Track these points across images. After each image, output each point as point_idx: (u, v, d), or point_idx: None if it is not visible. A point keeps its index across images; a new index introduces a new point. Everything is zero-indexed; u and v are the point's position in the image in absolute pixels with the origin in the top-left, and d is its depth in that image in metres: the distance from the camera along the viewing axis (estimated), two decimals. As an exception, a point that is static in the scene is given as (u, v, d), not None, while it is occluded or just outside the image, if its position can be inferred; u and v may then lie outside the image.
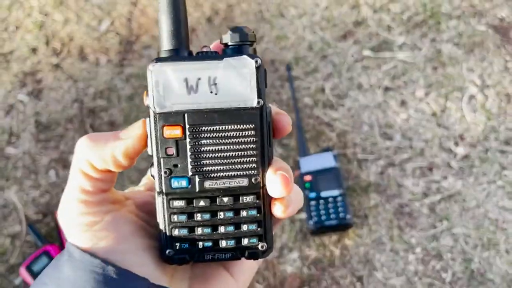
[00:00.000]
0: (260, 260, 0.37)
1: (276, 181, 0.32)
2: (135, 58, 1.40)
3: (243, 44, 0.33)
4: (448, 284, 1.02)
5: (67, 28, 1.44)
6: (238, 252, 0.34)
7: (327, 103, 1.28)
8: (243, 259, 0.35)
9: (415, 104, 1.27)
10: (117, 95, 1.34)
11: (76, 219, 0.32)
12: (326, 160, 1.11)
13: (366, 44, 1.36)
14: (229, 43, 0.33)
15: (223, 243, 0.34)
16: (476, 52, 1.33)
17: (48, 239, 1.09)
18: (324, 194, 1.07)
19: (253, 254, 0.34)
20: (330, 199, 1.06)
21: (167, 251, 0.33)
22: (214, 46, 0.35)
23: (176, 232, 0.33)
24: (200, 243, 0.34)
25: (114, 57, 1.41)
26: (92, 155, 0.32)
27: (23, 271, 1.01)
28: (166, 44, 0.33)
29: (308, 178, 1.09)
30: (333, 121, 1.25)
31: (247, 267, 0.37)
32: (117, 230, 0.33)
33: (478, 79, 1.29)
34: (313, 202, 1.07)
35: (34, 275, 1.00)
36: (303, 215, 1.11)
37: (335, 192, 1.07)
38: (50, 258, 1.01)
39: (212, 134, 0.32)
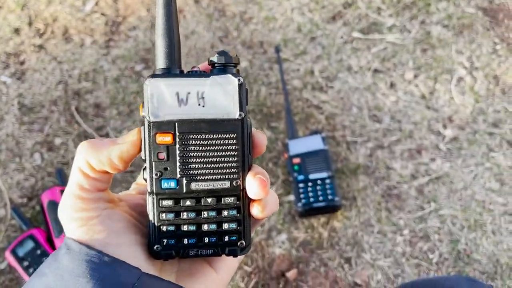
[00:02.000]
0: (241, 257, 0.41)
1: (254, 184, 0.36)
2: (122, 39, 1.38)
3: (228, 65, 0.37)
4: (435, 265, 1.02)
5: (50, 8, 1.41)
6: (219, 249, 0.38)
7: (316, 85, 1.27)
8: (224, 256, 0.38)
9: (404, 86, 1.26)
10: (103, 77, 1.32)
11: (74, 214, 0.36)
12: (314, 143, 1.10)
13: (355, 26, 1.35)
14: (216, 64, 0.37)
15: (206, 240, 0.37)
16: (465, 34, 1.32)
17: (33, 222, 1.08)
18: (312, 176, 1.07)
19: (233, 251, 0.38)
20: (319, 181, 1.06)
21: (155, 247, 0.37)
22: (202, 66, 0.39)
23: (164, 229, 0.37)
24: (185, 240, 0.37)
25: (99, 38, 1.38)
26: (91, 156, 0.35)
27: (8, 255, 1.00)
28: (160, 63, 0.37)
29: (296, 160, 1.09)
30: (322, 104, 1.25)
31: (229, 264, 0.41)
32: (112, 226, 0.36)
33: (467, 62, 1.29)
34: (301, 185, 1.06)
35: (19, 259, 0.99)
36: (292, 197, 1.11)
37: (324, 174, 1.06)
38: (35, 242, 1.00)
39: (199, 141, 0.36)
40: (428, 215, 1.08)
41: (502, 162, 1.14)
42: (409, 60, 1.29)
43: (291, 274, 1.02)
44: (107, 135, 1.23)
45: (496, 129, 1.18)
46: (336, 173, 1.12)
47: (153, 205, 0.36)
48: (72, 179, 0.36)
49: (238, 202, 0.37)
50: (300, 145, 1.11)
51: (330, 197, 1.04)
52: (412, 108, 1.23)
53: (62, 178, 1.12)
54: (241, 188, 0.37)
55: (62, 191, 1.06)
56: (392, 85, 1.27)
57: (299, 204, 1.05)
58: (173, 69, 0.37)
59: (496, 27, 1.33)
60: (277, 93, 1.26)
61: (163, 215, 0.37)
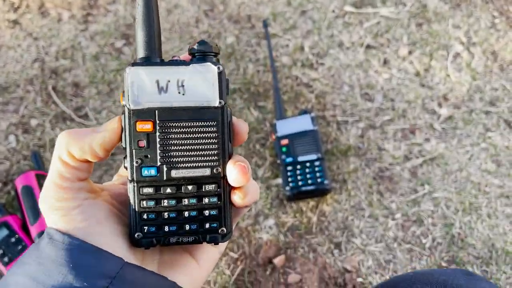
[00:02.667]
0: (222, 248, 0.42)
1: (235, 171, 0.36)
2: (101, 13, 1.30)
3: (208, 54, 0.37)
4: (428, 250, 0.99)
5: (24, -20, 1.32)
6: (200, 236, 0.38)
7: (306, 62, 1.21)
8: (205, 244, 0.39)
9: (398, 63, 1.20)
10: (81, 54, 1.25)
11: (56, 204, 0.35)
12: (303, 123, 1.05)
13: (347, -1, 1.28)
14: (196, 53, 0.37)
15: (186, 227, 0.37)
16: (463, 7, 1.26)
17: (8, 209, 1.03)
18: (301, 158, 1.01)
19: (214, 238, 0.38)
20: (308, 164, 1.01)
21: (136, 234, 0.37)
22: (183, 57, 0.38)
23: (144, 217, 0.37)
24: (166, 227, 0.37)
25: (77, 12, 1.30)
26: (72, 145, 0.35)
27: (-19, 243, 0.95)
28: (141, 52, 0.37)
29: (284, 142, 1.04)
30: (312, 82, 1.19)
31: (211, 254, 0.41)
32: (94, 215, 0.36)
33: (464, 37, 1.23)
34: (289, 167, 1.01)
35: (-7, 247, 0.94)
36: (279, 181, 1.06)
37: (313, 156, 1.01)
38: (9, 229, 0.95)
39: (179, 129, 0.36)
40: (422, 198, 1.04)
41: (499, 142, 1.09)
42: (404, 35, 1.23)
43: (278, 260, 0.98)
44: (86, 116, 1.17)
45: (493, 108, 1.13)
46: (326, 154, 1.07)
47: (134, 192, 0.37)
48: (52, 168, 0.36)
49: (218, 189, 0.37)
50: (289, 126, 1.05)
51: (319, 180, 0.99)
52: (406, 86, 1.17)
53: (38, 162, 1.06)
54: (222, 175, 0.37)
55: (37, 176, 1.01)
56: (385, 62, 1.21)
57: (287, 188, 1.00)
58: (153, 58, 0.37)
59: (495, 0, 1.27)
60: (265, 70, 1.20)
61: (144, 203, 0.37)
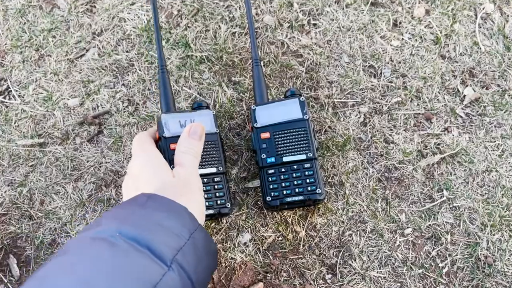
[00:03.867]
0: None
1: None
2: (27, -47, 0.99)
3: (203, 107, 0.79)
4: (446, 276, 0.78)
5: None
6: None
7: (295, 23, 0.94)
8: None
9: (411, 26, 0.94)
10: (1, 8, 0.95)
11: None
12: (290, 110, 0.80)
13: None
14: (196, 106, 0.80)
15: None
16: (498, -47, 0.98)
17: None
18: (287, 158, 0.77)
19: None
20: (295, 166, 0.77)
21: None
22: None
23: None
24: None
25: (-5, -49, 0.98)
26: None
27: None
28: (164, 107, 0.78)
29: (265, 135, 0.79)
30: (302, 50, 0.92)
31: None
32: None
33: (497, -8, 0.96)
34: (271, 170, 0.77)
35: None
36: (259, 183, 0.83)
37: (302, 156, 0.77)
38: None
39: None
40: (439, 207, 0.81)
41: (538, 134, 0.86)
42: (421, -10, 0.95)
43: (255, 290, 0.76)
44: (7, 91, 0.90)
45: (531, 88, 0.89)
46: (318, 150, 0.82)
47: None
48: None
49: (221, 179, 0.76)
50: (271, 113, 0.80)
51: (310, 188, 0.76)
52: (422, 57, 0.92)
53: None
54: (223, 171, 0.76)
55: None
56: (395, 25, 0.94)
57: (268, 198, 0.76)
58: (171, 110, 0.78)
59: None
60: (242, 33, 0.93)
61: None
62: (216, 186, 0.75)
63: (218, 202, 0.75)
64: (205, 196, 0.72)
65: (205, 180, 0.74)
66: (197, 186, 0.65)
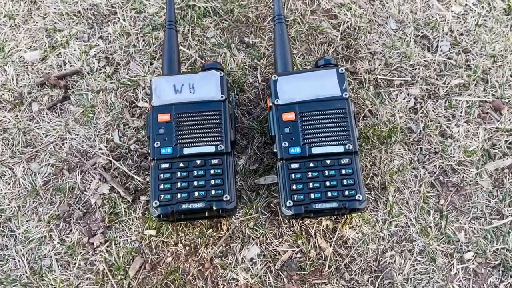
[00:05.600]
0: None
1: None
2: None
3: (213, 68, 0.61)
4: (516, 319, 0.58)
5: None
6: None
7: (329, -26, 0.72)
8: None
9: (478, -11, 0.73)
10: None
11: None
12: (325, 83, 0.59)
13: None
14: (206, 67, 0.62)
15: (196, 194, 0.54)
16: None
17: None
18: (317, 149, 0.57)
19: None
20: (329, 162, 0.56)
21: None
22: None
23: (161, 186, 0.57)
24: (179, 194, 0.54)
25: None
26: None
27: None
28: (165, 69, 0.62)
29: (289, 116, 0.58)
30: (337, 9, 0.71)
31: None
32: None
33: None
34: (295, 165, 0.56)
35: None
36: (272, 179, 0.62)
37: (339, 148, 0.57)
38: None
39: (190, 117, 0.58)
40: (510, 227, 0.61)
41: None
42: None
43: (263, 326, 0.56)
44: None
45: None
46: (358, 140, 0.61)
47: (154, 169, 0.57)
48: None
49: (221, 164, 0.55)
50: (298, 87, 0.59)
51: (348, 192, 0.55)
52: (490, 29, 0.71)
53: None
54: (224, 152, 0.55)
55: None
56: (458, -14, 0.73)
57: (289, 203, 0.55)
58: (172, 72, 0.62)
59: None
60: (261, -17, 0.71)
61: (161, 175, 0.56)
62: (212, 171, 0.55)
63: (213, 192, 0.54)
64: (194, 183, 0.55)
65: (198, 162, 0.55)
66: None
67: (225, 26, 0.70)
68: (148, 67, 0.68)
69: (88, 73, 0.68)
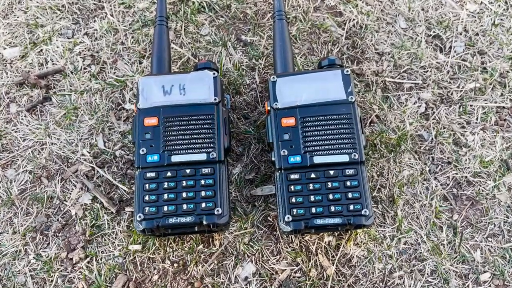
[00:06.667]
0: None
1: None
2: None
3: (207, 68, 0.55)
4: None
5: None
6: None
7: (334, -32, 0.67)
8: None
9: (494, -14, 0.68)
10: None
11: None
12: (329, 86, 0.54)
13: None
14: (199, 67, 0.56)
15: (184, 207, 0.49)
16: None
17: None
18: (320, 159, 0.51)
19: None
20: (332, 172, 0.51)
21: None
22: None
23: (146, 198, 0.52)
24: (166, 207, 0.49)
25: None
26: None
27: None
28: (154, 68, 0.57)
29: (289, 121, 0.53)
30: (343, 6, 0.66)
31: None
32: None
33: None
34: (295, 176, 0.51)
35: None
36: (271, 190, 0.57)
37: (343, 157, 0.51)
38: None
39: (179, 122, 0.52)
40: (531, 245, 0.56)
41: None
42: None
43: None
44: None
45: None
46: (365, 148, 0.56)
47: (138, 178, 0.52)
48: None
49: (213, 173, 0.50)
50: (299, 89, 0.54)
51: (353, 206, 0.50)
52: (508, 29, 0.66)
53: None
54: (217, 159, 0.49)
55: None
56: (473, -18, 0.68)
57: (287, 218, 0.50)
58: (162, 72, 0.56)
59: None
60: (260, -23, 0.66)
61: (147, 186, 0.51)
62: (203, 181, 0.49)
63: (203, 205, 0.49)
64: (183, 195, 0.50)
65: (187, 171, 0.50)
66: None
67: (221, 23, 0.65)
68: (137, 66, 0.63)
69: (71, 72, 0.63)
